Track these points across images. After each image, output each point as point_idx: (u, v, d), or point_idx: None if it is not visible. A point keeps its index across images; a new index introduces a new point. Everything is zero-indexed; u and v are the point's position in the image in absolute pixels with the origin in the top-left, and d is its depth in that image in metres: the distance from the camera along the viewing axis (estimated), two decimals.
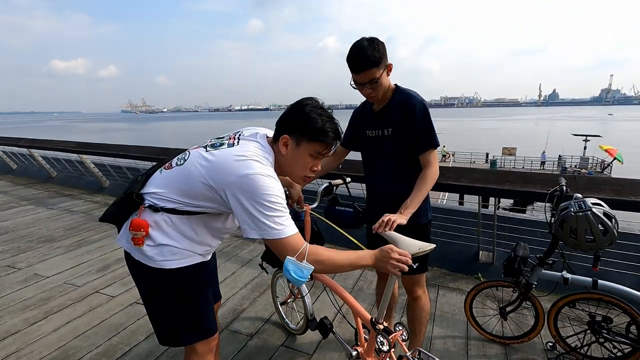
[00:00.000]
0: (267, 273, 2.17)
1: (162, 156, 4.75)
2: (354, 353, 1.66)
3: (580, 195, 1.69)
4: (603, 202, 1.62)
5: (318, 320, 1.89)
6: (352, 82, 1.60)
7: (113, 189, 6.14)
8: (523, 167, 26.65)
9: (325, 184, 2.04)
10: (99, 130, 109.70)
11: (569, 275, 1.88)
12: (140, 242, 1.20)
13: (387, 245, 1.25)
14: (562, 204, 1.70)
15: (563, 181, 1.96)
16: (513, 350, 2.10)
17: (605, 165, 23.85)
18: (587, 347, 1.91)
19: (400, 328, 1.55)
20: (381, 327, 1.51)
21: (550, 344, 2.08)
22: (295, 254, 1.12)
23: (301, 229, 1.93)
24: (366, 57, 1.50)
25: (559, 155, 26.82)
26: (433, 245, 1.33)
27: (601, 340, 1.87)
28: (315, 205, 1.98)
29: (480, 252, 3.10)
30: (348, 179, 2.12)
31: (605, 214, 1.56)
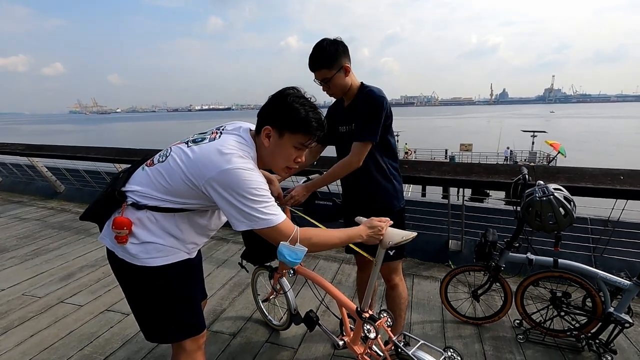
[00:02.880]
0: (248, 271, 2.16)
1: (124, 157, 4.52)
2: (341, 343, 1.71)
3: (542, 182, 1.85)
4: (563, 187, 1.78)
5: (303, 315, 1.92)
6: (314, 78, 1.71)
7: (70, 194, 5.74)
8: (479, 162, 28.20)
9: (303, 179, 2.06)
10: (45, 133, 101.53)
11: (533, 257, 2.04)
12: (124, 240, 1.17)
13: (371, 219, 1.35)
14: (527, 191, 1.85)
15: (525, 170, 2.13)
16: (485, 330, 2.25)
17: (551, 158, 25.88)
18: (550, 321, 2.10)
19: (385, 315, 1.61)
20: (367, 315, 1.57)
21: (518, 321, 2.25)
22: (287, 239, 1.15)
23: None
24: (318, 57, 1.61)
25: (510, 150, 28.67)
26: (415, 234, 1.40)
27: (562, 314, 2.06)
28: None
29: (450, 241, 3.27)
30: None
31: (565, 197, 1.72)
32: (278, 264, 2.07)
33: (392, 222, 1.39)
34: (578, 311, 2.03)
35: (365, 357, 1.63)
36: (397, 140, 31.25)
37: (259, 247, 2.00)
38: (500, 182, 2.48)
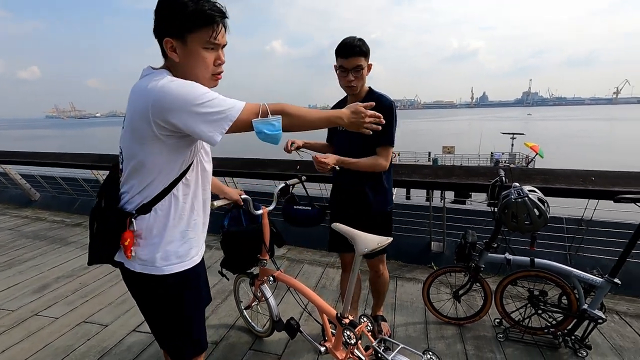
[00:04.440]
0: (228, 279, 2.13)
1: (102, 163, 4.41)
2: (323, 349, 1.70)
3: (518, 184, 1.90)
4: (537, 189, 1.84)
5: (284, 321, 1.91)
6: (338, 68, 1.77)
7: (45, 202, 5.54)
8: (461, 164, 28.78)
9: (281, 184, 2.05)
10: (20, 138, 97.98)
11: (511, 257, 2.10)
12: (128, 252, 1.12)
13: (355, 104, 1.26)
14: (503, 192, 1.90)
15: (502, 173, 2.19)
16: (466, 330, 2.29)
17: (530, 159, 26.65)
18: (528, 319, 2.15)
19: (365, 320, 1.62)
20: (347, 321, 1.57)
21: (498, 320, 2.30)
22: (257, 115, 1.06)
23: (260, 231, 1.92)
24: (357, 45, 1.71)
25: (491, 152, 29.38)
26: (390, 239, 1.42)
27: (539, 312, 2.12)
28: (272, 207, 1.97)
29: (432, 242, 3.32)
30: (304, 178, 2.14)
31: (539, 199, 1.77)
32: (259, 271, 2.05)
33: (380, 115, 1.28)
34: (554, 309, 2.09)
35: None
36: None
37: (238, 256, 1.97)
38: (480, 184, 2.54)
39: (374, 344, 1.54)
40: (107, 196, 1.20)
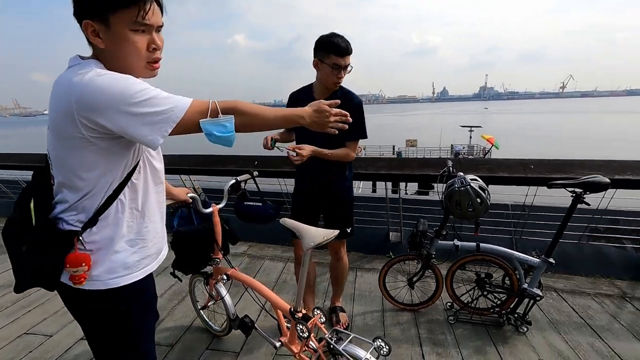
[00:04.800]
0: (181, 281, 2.07)
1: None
2: (278, 344, 1.71)
3: (462, 174, 2.00)
4: (478, 178, 1.94)
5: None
6: (332, 65, 1.81)
7: None
8: (424, 156, 29.79)
9: (231, 180, 2.02)
10: None
11: (459, 243, 2.20)
12: (82, 279, 0.98)
13: (319, 102, 1.16)
14: (448, 182, 1.99)
15: (450, 163, 2.29)
16: (421, 315, 2.39)
17: (486, 151, 28.11)
18: (476, 301, 2.28)
19: (318, 312, 1.64)
20: (300, 315, 1.59)
21: (449, 304, 2.41)
22: (206, 115, 0.95)
23: (211, 230, 1.88)
24: (349, 45, 1.81)
25: (451, 145, 30.66)
26: (336, 232, 1.45)
27: (485, 293, 2.25)
28: (223, 204, 1.94)
29: (391, 233, 3.42)
30: (255, 173, 2.12)
31: (480, 187, 1.88)
32: (213, 270, 2.01)
33: (347, 114, 1.21)
34: (498, 289, 2.23)
35: (302, 355, 1.65)
36: None
37: (189, 256, 1.92)
38: (430, 174, 2.64)
39: (326, 335, 1.56)
40: (38, 210, 1.01)
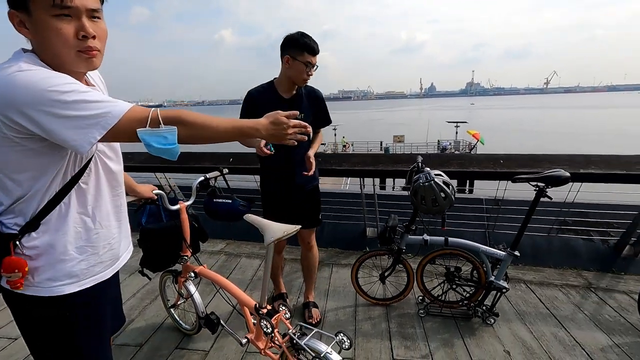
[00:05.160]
0: (150, 279, 2.05)
1: None
2: (244, 340, 1.71)
3: (428, 169, 2.02)
4: (443, 173, 1.96)
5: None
6: (304, 63, 1.92)
7: None
8: (411, 152, 30.07)
9: (200, 177, 2.00)
10: None
11: (428, 237, 2.23)
12: (19, 284, 0.94)
13: (275, 113, 1.07)
14: (414, 177, 2.01)
15: (420, 159, 2.31)
16: (392, 309, 2.41)
17: (472, 146, 28.51)
18: (445, 294, 2.31)
19: (284, 308, 1.64)
20: (264, 311, 1.59)
21: (420, 298, 2.45)
22: (145, 124, 0.88)
23: (178, 227, 1.86)
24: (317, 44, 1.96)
25: (438, 140, 31.02)
26: (298, 227, 1.46)
27: (454, 286, 2.29)
28: (191, 201, 1.92)
29: (367, 228, 3.43)
30: (225, 170, 2.11)
31: (444, 182, 1.90)
32: (182, 268, 2.00)
33: (307, 125, 1.13)
34: (467, 282, 2.27)
35: (268, 352, 1.66)
36: (335, 134, 32.13)
37: (156, 253, 1.90)
38: (403, 170, 2.65)
39: (290, 330, 1.57)
40: None
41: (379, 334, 2.17)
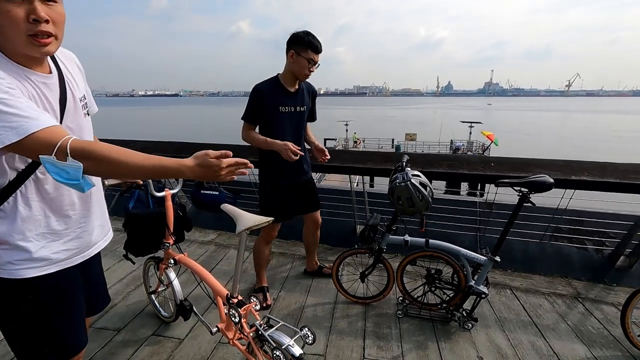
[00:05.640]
0: (134, 263, 2.09)
1: None
2: (214, 329, 1.73)
3: (409, 169, 1.98)
4: (421, 174, 1.93)
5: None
6: (308, 59, 2.09)
7: None
8: (422, 151, 29.71)
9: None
10: None
11: (408, 238, 2.20)
12: None
13: (204, 154, 1.01)
14: (391, 177, 1.98)
15: (405, 158, 2.27)
16: (371, 308, 2.40)
17: (485, 147, 27.99)
18: (425, 296, 2.29)
19: (254, 299, 1.66)
20: (235, 301, 1.61)
21: (401, 298, 2.43)
22: (51, 151, 0.84)
23: (162, 214, 1.90)
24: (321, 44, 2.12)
25: (451, 140, 30.55)
26: (269, 219, 1.47)
27: (433, 289, 2.26)
28: (177, 189, 1.97)
29: (357, 226, 3.42)
30: None
31: (421, 183, 1.86)
32: (163, 255, 2.03)
33: (246, 162, 1.07)
34: (447, 286, 2.24)
35: (236, 342, 1.67)
36: (347, 130, 31.97)
37: (139, 238, 1.95)
38: (391, 169, 2.62)
39: (257, 322, 1.59)
40: None
41: (353, 332, 2.16)
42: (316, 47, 2.08)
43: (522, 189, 1.93)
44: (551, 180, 1.87)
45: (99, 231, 1.26)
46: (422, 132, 35.43)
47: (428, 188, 1.89)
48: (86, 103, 1.21)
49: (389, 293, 2.41)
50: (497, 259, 2.04)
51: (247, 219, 1.48)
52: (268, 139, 2.13)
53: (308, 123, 2.42)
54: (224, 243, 3.42)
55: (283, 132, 2.21)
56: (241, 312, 1.58)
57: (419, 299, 2.31)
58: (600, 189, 2.32)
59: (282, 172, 2.30)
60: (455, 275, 2.21)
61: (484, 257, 2.08)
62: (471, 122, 32.91)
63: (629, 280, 2.70)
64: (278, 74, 2.24)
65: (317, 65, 2.14)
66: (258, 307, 1.68)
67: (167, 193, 1.92)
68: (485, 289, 2.11)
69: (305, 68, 2.12)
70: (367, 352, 2.00)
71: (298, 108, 2.24)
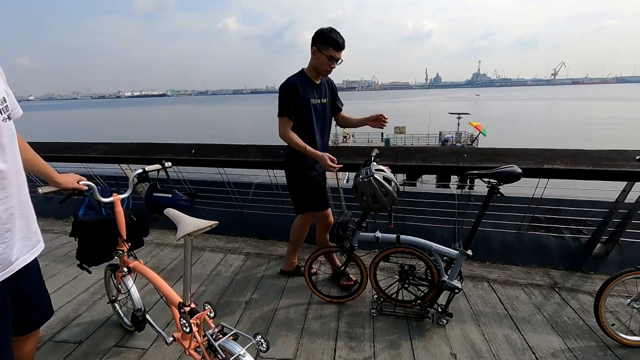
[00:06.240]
0: (90, 272, 1.98)
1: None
2: (170, 339, 1.65)
3: (375, 164, 1.91)
4: (386, 169, 1.86)
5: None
6: (328, 57, 2.13)
7: None
8: (412, 144, 29.79)
9: (138, 170, 1.92)
10: None
11: (379, 235, 2.14)
12: None
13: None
14: (356, 172, 1.90)
15: (375, 152, 2.20)
16: (346, 307, 2.33)
17: (474, 138, 28.17)
18: (399, 293, 2.23)
19: (208, 307, 1.58)
20: (187, 309, 1.52)
21: (376, 296, 2.37)
22: None
23: (111, 221, 1.80)
24: (344, 42, 2.14)
25: (440, 132, 30.67)
26: (212, 223, 1.39)
27: (407, 285, 2.20)
28: (127, 194, 1.86)
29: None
30: (168, 164, 2.04)
31: (385, 178, 1.79)
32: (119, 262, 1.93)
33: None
34: (420, 282, 2.18)
35: (192, 351, 1.59)
36: (335, 125, 31.79)
37: (90, 246, 1.85)
38: (362, 163, 2.55)
39: (209, 331, 1.51)
40: None
41: (326, 333, 2.09)
42: (337, 44, 2.10)
43: (491, 180, 1.88)
44: (519, 170, 1.81)
45: (22, 245, 1.17)
46: (412, 125, 35.47)
47: (393, 183, 1.82)
48: (6, 106, 1.11)
49: (363, 291, 2.35)
50: (469, 252, 1.99)
51: (188, 224, 1.40)
52: (308, 146, 2.17)
53: (345, 114, 2.53)
54: (199, 245, 3.32)
55: (313, 124, 2.27)
56: (192, 321, 1.51)
57: (394, 296, 2.26)
58: (573, 177, 2.27)
59: (312, 163, 2.31)
60: (428, 271, 2.16)
61: (456, 252, 2.02)
62: (459, 114, 33.08)
63: (606, 267, 2.68)
64: (303, 68, 2.28)
65: (339, 61, 2.17)
66: (213, 315, 1.60)
67: (116, 198, 1.81)
68: (458, 284, 2.05)
69: (326, 64, 2.16)
70: (339, 354, 1.93)
71: (322, 100, 2.31)
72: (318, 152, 2.17)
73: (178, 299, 1.60)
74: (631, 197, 2.49)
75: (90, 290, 2.62)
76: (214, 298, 2.48)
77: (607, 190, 2.73)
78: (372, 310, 2.25)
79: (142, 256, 3.16)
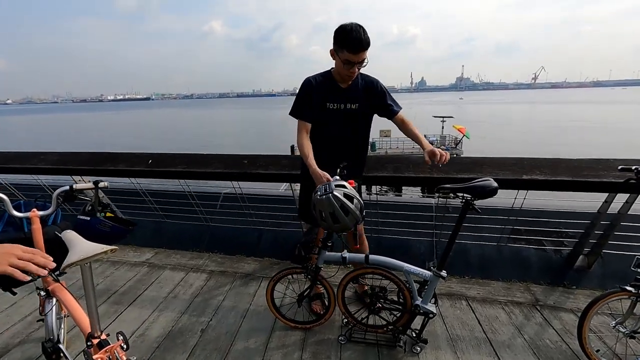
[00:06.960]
0: (14, 294, 1.72)
1: (13, 164, 3.52)
2: None
3: (337, 177, 1.71)
4: (348, 183, 1.66)
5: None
6: (343, 60, 1.77)
7: None
8: (397, 147, 29.90)
9: (64, 187, 1.68)
10: None
11: (347, 255, 1.94)
12: None
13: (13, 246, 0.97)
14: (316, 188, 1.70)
15: (342, 164, 2.00)
16: (312, 333, 2.12)
17: (458, 141, 28.45)
18: (367, 318, 2.03)
19: (121, 338, 1.36)
20: (95, 341, 1.32)
21: (346, 320, 2.16)
22: None
23: (26, 240, 1.55)
24: (365, 40, 1.71)
25: (424, 135, 30.89)
26: (109, 247, 1.20)
27: (377, 309, 2.01)
28: (48, 211, 1.62)
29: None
30: (103, 184, 1.79)
31: (345, 195, 1.59)
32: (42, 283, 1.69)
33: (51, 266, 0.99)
34: (392, 305, 1.99)
35: None
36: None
37: None
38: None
39: None
40: None
41: None
42: (352, 46, 1.71)
43: (465, 195, 1.70)
44: (494, 184, 1.65)
45: None
46: (396, 129, 35.67)
47: (355, 200, 1.62)
48: None
49: (331, 316, 2.14)
50: (444, 273, 1.81)
51: (77, 251, 1.21)
52: (310, 158, 1.82)
53: (406, 119, 2.11)
54: (159, 263, 3.06)
55: (329, 131, 1.96)
56: (98, 356, 1.28)
57: (364, 320, 2.06)
58: (553, 188, 2.14)
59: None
60: (400, 294, 1.97)
61: (430, 273, 1.84)
62: (443, 117, 33.41)
63: (588, 281, 2.55)
64: (332, 67, 1.95)
65: (362, 64, 1.80)
66: (125, 347, 1.38)
67: (34, 214, 1.57)
68: (433, 308, 1.87)
69: (342, 69, 1.81)
70: None
71: (349, 105, 1.94)
72: (316, 169, 1.77)
73: (87, 328, 1.38)
74: (614, 208, 2.36)
75: (27, 319, 2.33)
76: (167, 325, 2.23)
77: (588, 201, 2.62)
78: (340, 338, 2.04)
79: (96, 275, 2.89)
